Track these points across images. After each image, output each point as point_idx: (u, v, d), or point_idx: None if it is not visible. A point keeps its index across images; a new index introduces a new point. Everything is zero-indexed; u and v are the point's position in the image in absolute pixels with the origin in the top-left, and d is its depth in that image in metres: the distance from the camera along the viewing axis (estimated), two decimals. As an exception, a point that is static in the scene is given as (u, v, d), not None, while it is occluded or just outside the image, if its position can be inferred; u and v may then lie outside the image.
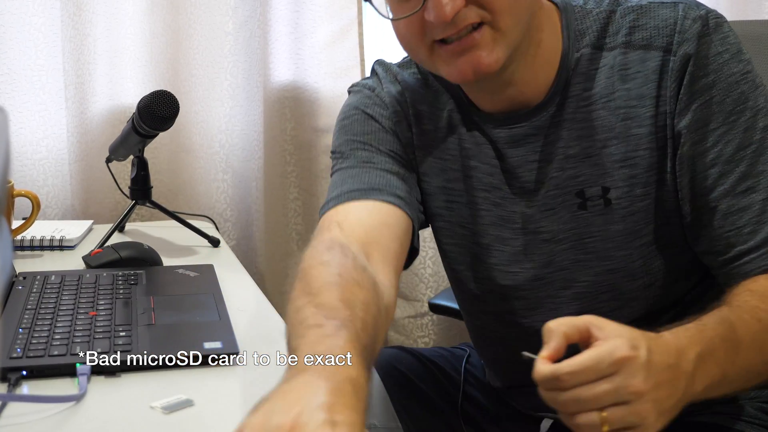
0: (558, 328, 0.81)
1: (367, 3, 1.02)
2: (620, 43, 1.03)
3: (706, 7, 1.02)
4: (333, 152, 1.14)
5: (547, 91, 1.04)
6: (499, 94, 1.05)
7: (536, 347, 1.09)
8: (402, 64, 1.15)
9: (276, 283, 2.05)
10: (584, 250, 1.06)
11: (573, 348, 0.81)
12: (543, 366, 0.80)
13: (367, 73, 2.04)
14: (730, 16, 2.15)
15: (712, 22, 1.00)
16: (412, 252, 1.09)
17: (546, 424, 1.19)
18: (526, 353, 0.83)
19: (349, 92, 1.18)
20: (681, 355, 0.83)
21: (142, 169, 1.61)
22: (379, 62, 1.18)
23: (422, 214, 1.13)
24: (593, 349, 0.79)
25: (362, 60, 2.05)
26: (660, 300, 1.08)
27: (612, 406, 0.78)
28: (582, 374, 0.78)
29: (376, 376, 1.14)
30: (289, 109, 2.05)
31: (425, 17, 0.95)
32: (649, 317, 1.08)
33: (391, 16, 1.00)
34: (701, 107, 0.99)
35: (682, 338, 0.85)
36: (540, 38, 1.03)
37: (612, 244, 1.04)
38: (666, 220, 1.04)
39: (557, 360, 0.80)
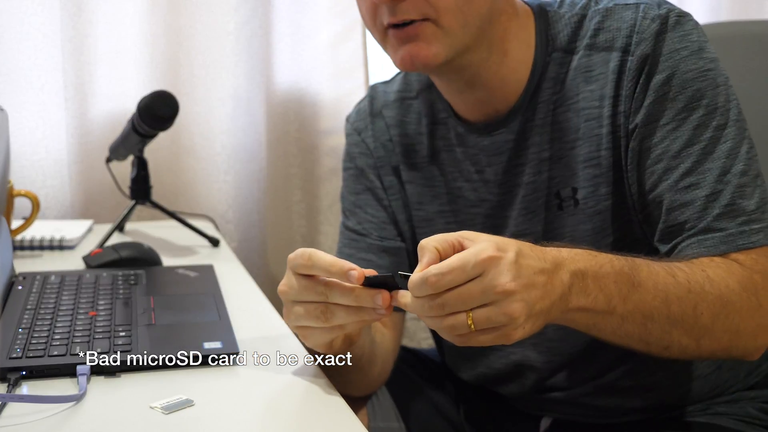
0: (429, 244, 0.81)
1: None
2: (585, 45, 1.04)
3: (670, 5, 1.02)
4: (342, 196, 1.23)
5: (519, 96, 1.06)
6: (467, 94, 1.07)
7: (523, 354, 1.08)
8: (388, 83, 1.21)
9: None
10: None
11: None
12: (413, 275, 0.79)
13: (371, 75, 2.07)
14: (731, 16, 2.17)
15: (672, 20, 1.00)
16: None
17: (546, 422, 1.20)
18: (400, 272, 0.82)
19: (347, 121, 1.24)
20: (558, 265, 0.82)
21: (142, 168, 1.61)
22: (372, 88, 1.22)
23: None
24: (460, 252, 0.79)
25: (366, 61, 2.04)
26: None
27: (480, 307, 0.77)
28: (448, 276, 0.77)
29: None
30: (292, 111, 2.04)
31: None
32: None
33: None
34: (653, 103, 0.99)
35: (563, 252, 0.84)
36: (506, 48, 1.05)
37: (583, 244, 1.04)
38: (629, 218, 1.04)
39: None
